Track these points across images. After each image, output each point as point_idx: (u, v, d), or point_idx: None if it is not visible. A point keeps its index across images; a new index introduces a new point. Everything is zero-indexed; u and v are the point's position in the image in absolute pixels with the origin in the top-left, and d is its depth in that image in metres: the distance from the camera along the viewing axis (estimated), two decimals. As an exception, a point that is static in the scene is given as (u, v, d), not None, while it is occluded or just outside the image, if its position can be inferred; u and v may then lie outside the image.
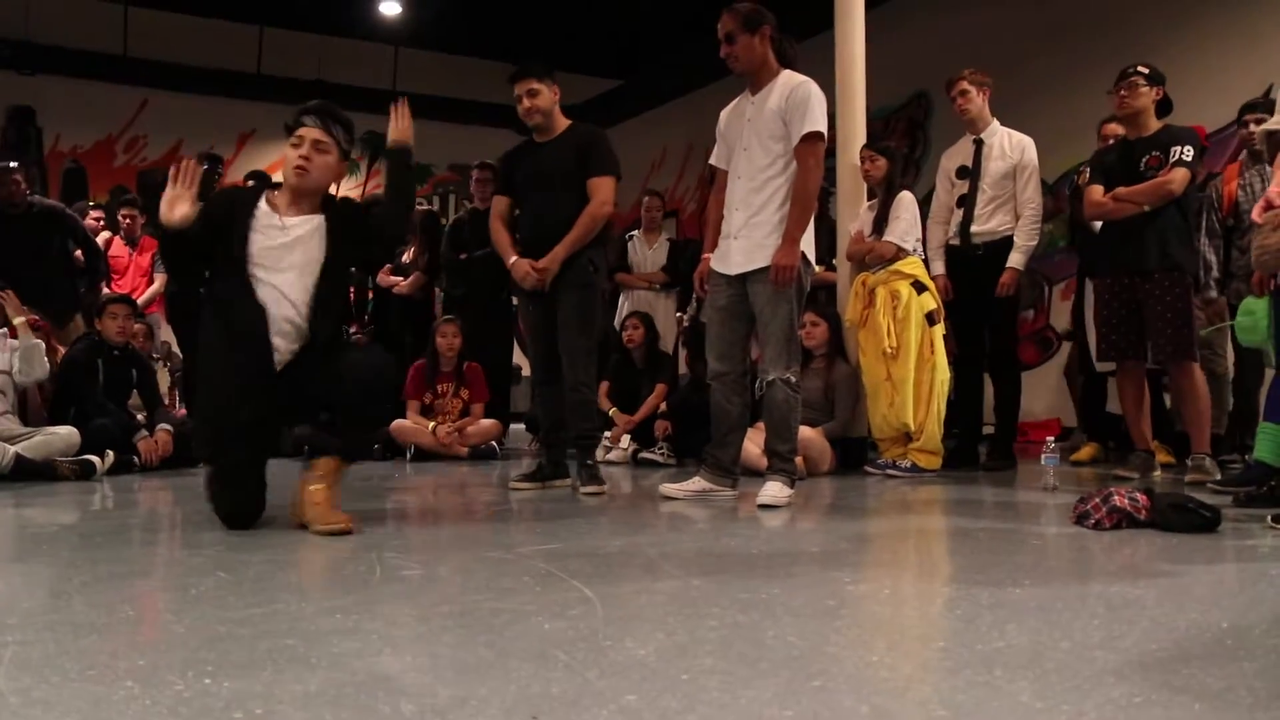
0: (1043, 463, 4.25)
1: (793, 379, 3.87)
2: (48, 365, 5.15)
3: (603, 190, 4.22)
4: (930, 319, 5.01)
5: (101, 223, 7.33)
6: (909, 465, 4.97)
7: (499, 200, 4.51)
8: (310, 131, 3.20)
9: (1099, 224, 4.96)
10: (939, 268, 5.30)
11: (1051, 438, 4.38)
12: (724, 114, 4.10)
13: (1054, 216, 6.96)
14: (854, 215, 5.54)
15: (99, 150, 10.71)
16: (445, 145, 12.02)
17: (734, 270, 3.90)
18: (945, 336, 5.10)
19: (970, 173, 5.29)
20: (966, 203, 5.29)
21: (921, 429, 4.97)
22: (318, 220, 3.21)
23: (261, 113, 11.04)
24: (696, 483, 4.00)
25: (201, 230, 3.12)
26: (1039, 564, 2.62)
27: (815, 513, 3.78)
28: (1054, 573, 2.50)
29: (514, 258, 4.30)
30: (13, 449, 4.62)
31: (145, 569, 2.64)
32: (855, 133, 5.61)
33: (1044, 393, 7.40)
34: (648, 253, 7.01)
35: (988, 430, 5.55)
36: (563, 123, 4.38)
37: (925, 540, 3.27)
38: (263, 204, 3.21)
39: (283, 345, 3.12)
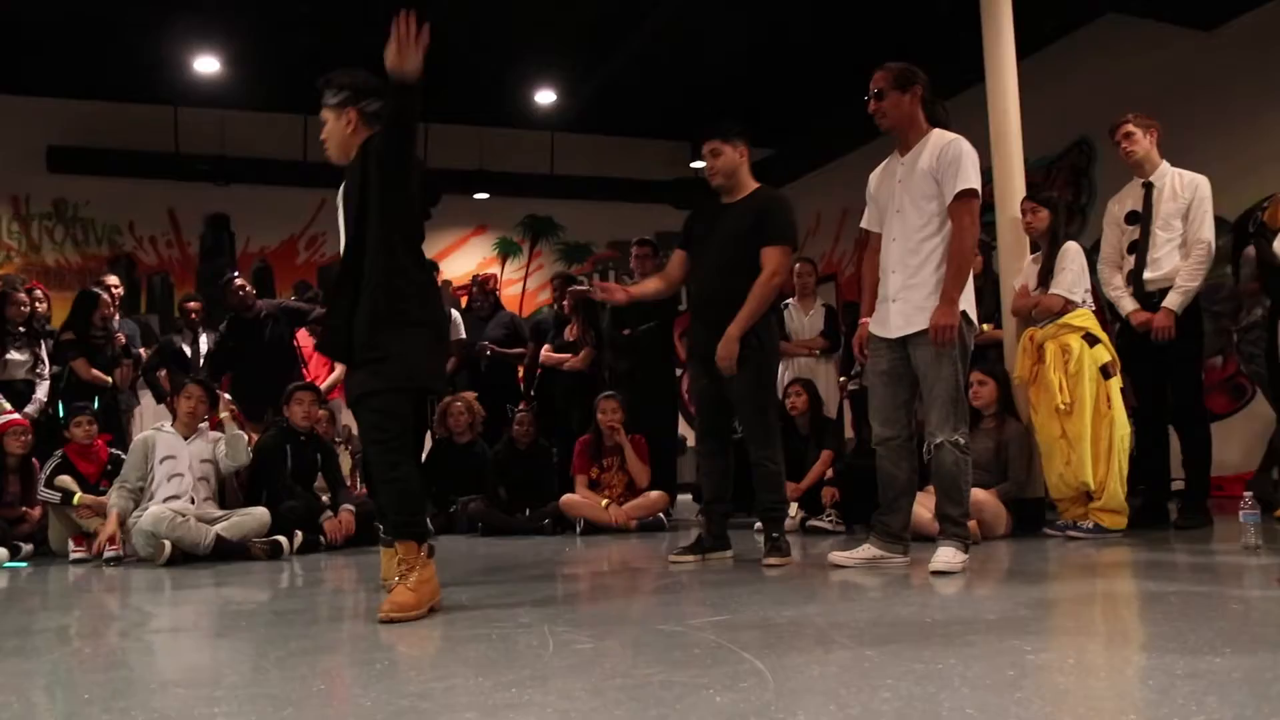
0: (1242, 520, 3.97)
1: (961, 440, 3.76)
2: (250, 455, 5.50)
3: (773, 261, 4.20)
4: (1105, 372, 4.79)
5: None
6: (1091, 526, 4.73)
7: (675, 255, 4.55)
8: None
9: None
10: (1129, 304, 5.06)
11: (1250, 492, 4.09)
12: (873, 176, 4.09)
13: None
14: (1016, 270, 5.39)
15: (284, 249, 11.47)
16: (603, 223, 12.37)
17: (894, 334, 3.85)
18: (1123, 390, 4.87)
19: (1141, 217, 5.08)
20: (1138, 249, 5.07)
21: (1103, 487, 4.73)
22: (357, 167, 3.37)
23: (428, 204, 11.62)
24: (866, 550, 3.92)
25: None
26: (1242, 630, 2.44)
27: (992, 578, 3.64)
28: (1260, 640, 2.33)
29: (623, 294, 4.56)
30: (213, 530, 4.95)
31: (333, 645, 2.77)
32: (1013, 186, 5.48)
33: (1239, 443, 6.93)
34: (804, 319, 6.98)
35: (1178, 486, 5.23)
36: (749, 185, 4.38)
37: (1112, 605, 3.10)
38: None
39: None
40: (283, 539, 5.11)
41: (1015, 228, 5.40)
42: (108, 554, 5.10)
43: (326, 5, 8.40)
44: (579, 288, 7.38)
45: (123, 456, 5.54)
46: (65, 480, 5.42)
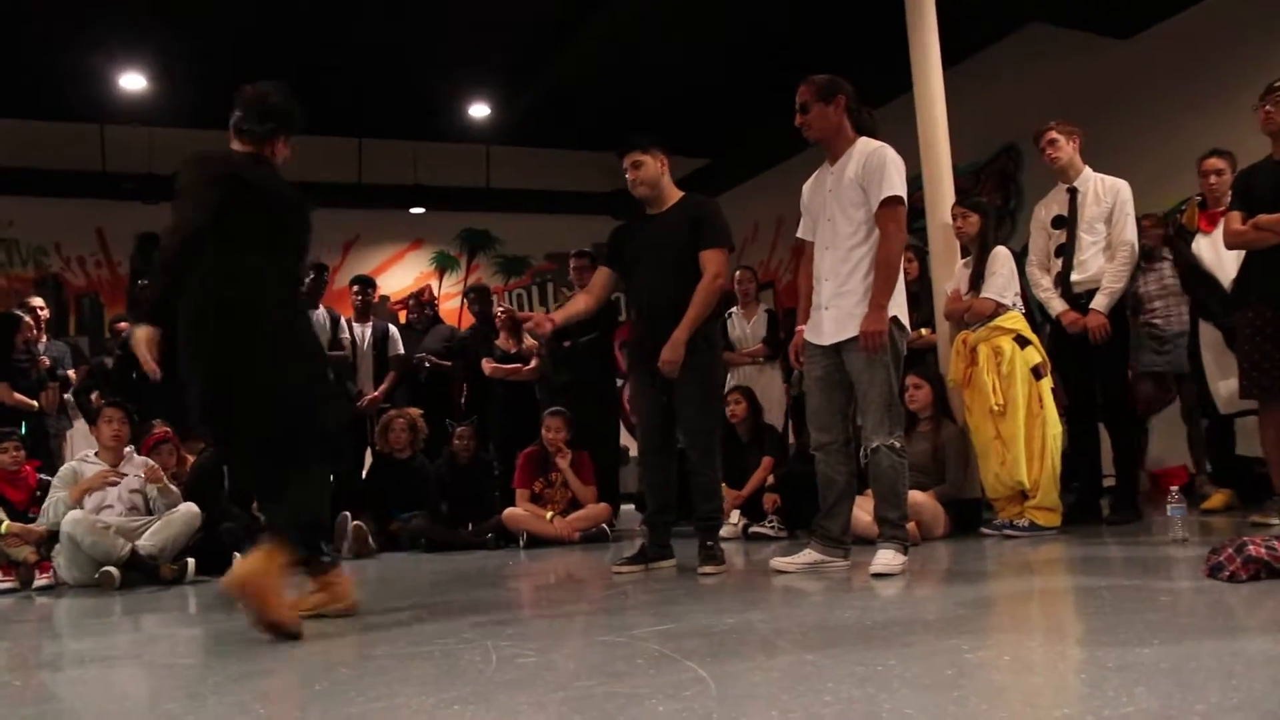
0: (1169, 514, 4.08)
1: (897, 444, 3.81)
2: (180, 495, 5.38)
3: (714, 263, 4.23)
4: (1036, 373, 4.90)
5: None
6: (1027, 524, 4.83)
7: (600, 272, 4.55)
8: None
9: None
10: (1059, 305, 5.17)
11: (1175, 486, 4.21)
12: (806, 186, 4.14)
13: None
14: (948, 275, 5.48)
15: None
16: (541, 236, 12.36)
17: (827, 340, 3.90)
18: (1054, 389, 4.98)
19: (1067, 222, 5.21)
20: (1065, 252, 5.20)
21: (1037, 485, 4.83)
22: None
23: (363, 220, 11.56)
24: (808, 555, 3.95)
25: None
26: (1169, 621, 2.51)
27: (931, 579, 3.70)
28: (1186, 630, 2.40)
29: (549, 323, 4.35)
30: (128, 545, 4.90)
31: (271, 668, 2.72)
32: (943, 192, 5.59)
33: (1166, 439, 7.11)
34: (747, 327, 7.03)
35: (1110, 483, 5.36)
36: (674, 194, 4.41)
37: (1047, 601, 3.17)
38: None
39: None
40: (190, 561, 5.03)
41: (946, 233, 5.50)
42: (38, 583, 4.97)
43: (253, 21, 8.30)
44: (506, 310, 7.38)
45: (50, 481, 5.40)
46: (-10, 508, 5.27)
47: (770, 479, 5.90)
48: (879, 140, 3.90)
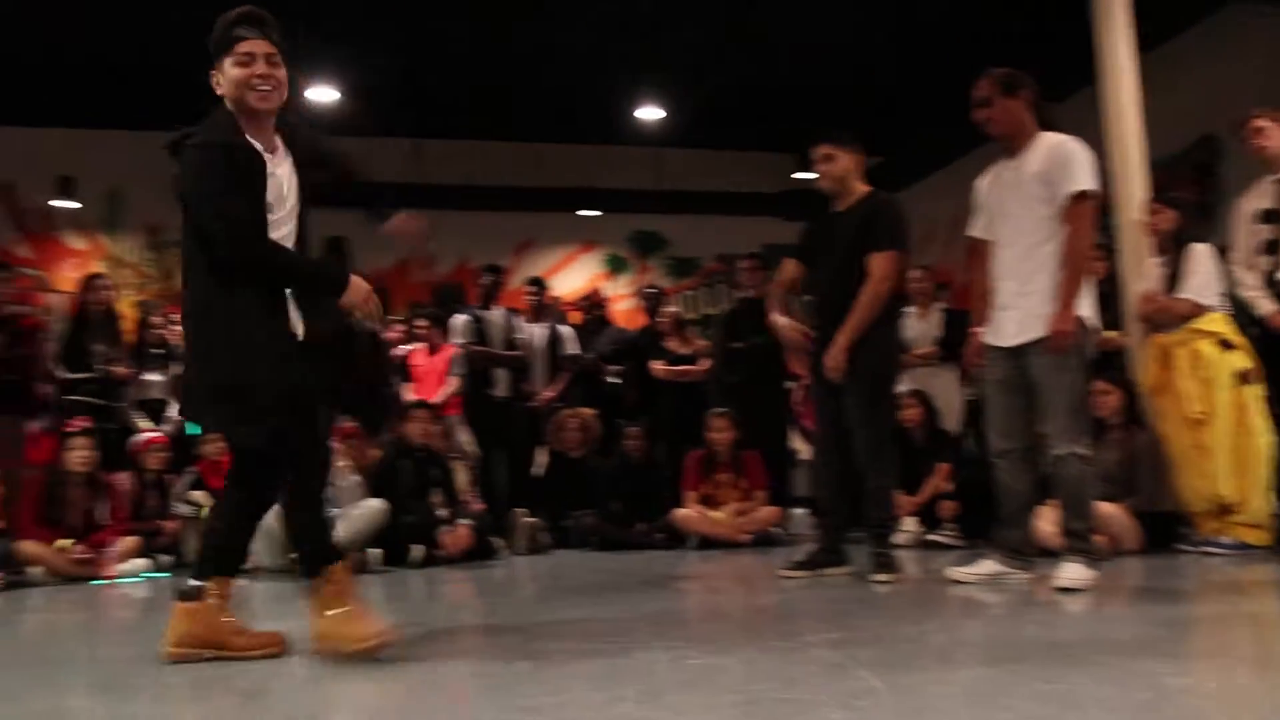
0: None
1: (1084, 452, 3.62)
2: (361, 492, 5.61)
3: (880, 267, 4.10)
4: (1243, 378, 4.56)
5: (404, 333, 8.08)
6: (1232, 541, 4.50)
7: (786, 264, 4.52)
8: (259, 45, 2.74)
9: None
10: (1268, 305, 4.80)
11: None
12: (982, 183, 3.98)
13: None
14: (1139, 274, 5.18)
15: (397, 270, 11.76)
16: (711, 237, 12.34)
17: (1008, 342, 3.74)
18: (1269, 398, 4.62)
19: (1275, 216, 4.84)
20: (1274, 249, 4.82)
21: (1243, 500, 4.49)
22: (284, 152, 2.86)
23: (537, 222, 11.86)
24: (987, 566, 3.81)
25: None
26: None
27: (1122, 596, 3.50)
28: None
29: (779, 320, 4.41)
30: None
31: (446, 658, 2.80)
32: (1133, 187, 5.29)
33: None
34: (921, 326, 6.83)
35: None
36: (859, 191, 4.33)
37: (1257, 626, 2.94)
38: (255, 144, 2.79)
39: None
40: (379, 551, 5.21)
41: (1136, 231, 5.20)
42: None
43: (427, 30, 8.63)
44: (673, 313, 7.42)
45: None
46: (197, 495, 5.66)
47: (948, 485, 5.72)
48: (1065, 132, 3.72)
